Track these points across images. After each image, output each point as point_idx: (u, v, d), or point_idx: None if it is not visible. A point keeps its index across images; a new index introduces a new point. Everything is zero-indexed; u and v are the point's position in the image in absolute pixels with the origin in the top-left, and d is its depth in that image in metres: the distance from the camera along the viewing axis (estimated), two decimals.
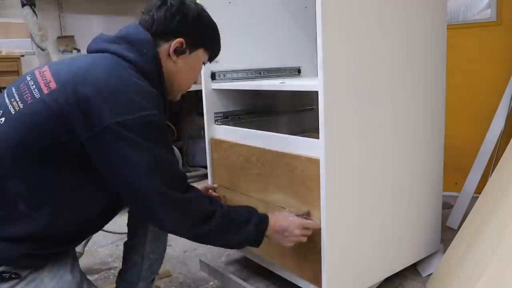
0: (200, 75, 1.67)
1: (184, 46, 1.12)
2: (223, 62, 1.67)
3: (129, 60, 1.04)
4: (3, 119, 0.98)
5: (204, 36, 1.18)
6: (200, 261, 1.76)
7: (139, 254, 1.35)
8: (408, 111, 1.45)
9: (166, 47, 1.11)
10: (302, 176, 1.30)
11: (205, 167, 1.80)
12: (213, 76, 1.63)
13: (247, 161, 1.51)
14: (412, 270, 1.62)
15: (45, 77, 0.99)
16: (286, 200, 1.38)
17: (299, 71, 1.92)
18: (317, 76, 1.19)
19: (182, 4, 1.12)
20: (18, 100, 0.98)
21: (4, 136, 0.96)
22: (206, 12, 1.19)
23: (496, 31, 2.21)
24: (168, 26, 1.10)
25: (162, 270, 1.75)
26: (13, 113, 0.97)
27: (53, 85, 0.97)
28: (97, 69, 0.98)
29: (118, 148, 0.94)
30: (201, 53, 1.18)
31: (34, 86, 0.98)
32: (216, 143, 1.65)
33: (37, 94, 0.97)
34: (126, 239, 1.38)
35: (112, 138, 0.93)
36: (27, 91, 0.98)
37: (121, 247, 1.96)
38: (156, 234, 1.37)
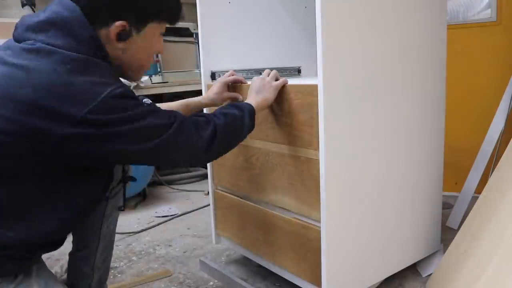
0: (200, 75, 1.67)
1: (128, 28, 0.96)
2: (223, 62, 1.67)
3: (63, 48, 0.90)
4: None
5: (149, 7, 0.99)
6: (200, 261, 1.76)
7: (89, 265, 1.31)
8: (408, 111, 1.45)
9: (105, 33, 0.95)
10: (302, 176, 1.31)
11: (205, 167, 1.80)
12: (213, 76, 1.63)
13: (247, 161, 1.51)
14: (412, 270, 1.62)
15: None
16: (286, 200, 1.38)
17: (299, 71, 1.91)
18: (317, 76, 1.19)
19: None
20: None
21: None
22: None
23: (496, 31, 2.21)
24: (102, 5, 0.94)
25: (162, 270, 1.75)
26: None
27: None
28: (35, 72, 0.87)
29: (100, 139, 0.88)
30: (153, 27, 1.01)
31: None
32: None
33: None
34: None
35: (91, 130, 0.86)
36: None
37: (121, 247, 1.98)
38: (107, 243, 1.35)
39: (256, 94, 1.28)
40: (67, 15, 0.92)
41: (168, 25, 1.06)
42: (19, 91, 0.85)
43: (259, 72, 1.77)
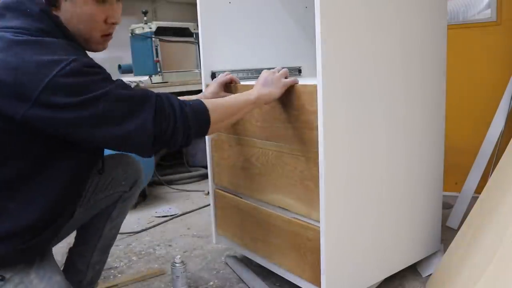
0: (200, 75, 1.67)
1: None
2: (223, 62, 1.67)
3: (19, 29, 0.93)
4: None
5: None
6: (200, 261, 1.76)
7: (85, 262, 1.32)
8: (408, 111, 1.44)
9: None
10: (301, 176, 1.31)
11: (205, 167, 1.80)
12: (213, 76, 1.63)
13: (247, 161, 1.51)
14: (412, 270, 1.62)
15: None
16: (286, 200, 1.38)
17: (299, 71, 1.92)
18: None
19: None
20: None
21: None
22: None
23: (496, 31, 2.21)
24: None
25: (154, 269, 1.75)
26: None
27: None
28: None
29: (62, 118, 0.89)
30: None
31: None
32: (216, 143, 1.66)
33: None
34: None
35: (49, 112, 0.88)
36: None
37: (121, 247, 1.98)
38: (106, 246, 1.36)
39: (261, 86, 1.25)
40: None
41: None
42: None
43: (259, 72, 1.77)
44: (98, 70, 0.94)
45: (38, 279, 1.00)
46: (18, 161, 0.95)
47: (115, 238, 1.42)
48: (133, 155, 1.17)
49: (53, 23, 0.98)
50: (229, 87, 1.52)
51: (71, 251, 1.34)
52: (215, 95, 1.46)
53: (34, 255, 1.03)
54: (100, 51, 1.08)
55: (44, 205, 1.00)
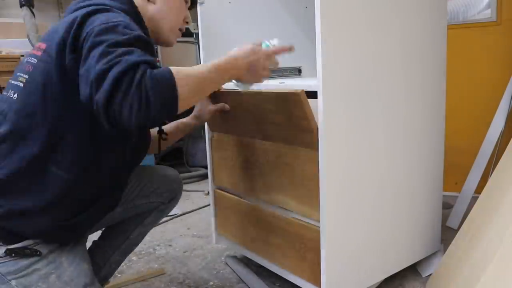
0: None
1: None
2: None
3: (105, 6, 1.01)
4: (16, 94, 1.00)
5: None
6: (200, 261, 1.76)
7: (104, 258, 1.34)
8: (408, 111, 1.45)
9: None
10: (301, 176, 1.31)
11: (205, 167, 1.80)
12: None
13: (247, 161, 1.51)
14: (412, 270, 1.62)
15: (36, 47, 1.03)
16: (286, 200, 1.38)
17: (299, 71, 1.91)
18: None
19: None
20: (22, 75, 1.01)
21: (23, 104, 0.98)
22: None
23: (496, 31, 2.21)
24: None
25: (154, 269, 1.75)
26: (22, 86, 1.00)
27: (43, 45, 0.99)
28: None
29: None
30: None
31: (30, 58, 1.02)
32: (216, 143, 1.66)
33: (33, 60, 0.99)
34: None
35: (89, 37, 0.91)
36: (26, 65, 1.02)
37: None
38: (128, 249, 1.39)
39: (245, 72, 1.13)
40: None
41: None
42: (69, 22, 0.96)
43: None
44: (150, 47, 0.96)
45: (68, 263, 1.03)
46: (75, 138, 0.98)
47: (138, 244, 1.45)
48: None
49: (133, 9, 1.07)
50: (216, 96, 1.46)
51: (95, 243, 1.38)
52: (204, 111, 1.45)
53: (70, 237, 1.07)
54: (171, 45, 1.21)
55: (99, 178, 1.05)
